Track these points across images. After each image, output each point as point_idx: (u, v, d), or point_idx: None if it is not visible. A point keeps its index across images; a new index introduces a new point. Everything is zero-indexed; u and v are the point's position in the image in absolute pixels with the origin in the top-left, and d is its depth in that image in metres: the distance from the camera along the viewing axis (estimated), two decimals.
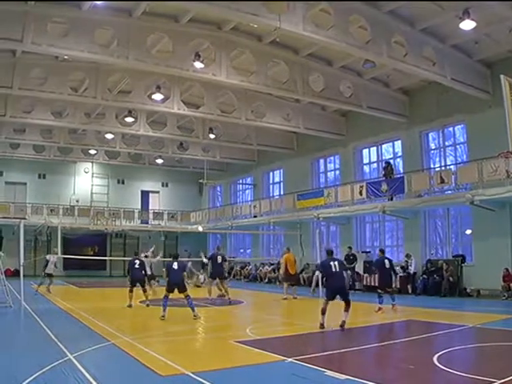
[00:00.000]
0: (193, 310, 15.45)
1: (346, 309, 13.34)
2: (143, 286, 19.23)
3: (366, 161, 30.70)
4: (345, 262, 18.69)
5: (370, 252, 28.26)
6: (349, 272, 18.36)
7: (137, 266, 19.11)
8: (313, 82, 23.75)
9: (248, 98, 27.00)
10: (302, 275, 30.40)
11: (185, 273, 16.87)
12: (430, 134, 26.59)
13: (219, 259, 20.38)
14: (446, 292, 22.52)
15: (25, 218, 32.11)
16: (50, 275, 24.10)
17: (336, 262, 13.60)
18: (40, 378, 8.17)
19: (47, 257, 24.35)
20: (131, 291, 18.76)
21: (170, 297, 15.66)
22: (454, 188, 23.00)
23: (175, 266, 15.89)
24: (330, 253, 14.23)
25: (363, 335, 13.38)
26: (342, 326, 12.95)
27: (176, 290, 15.67)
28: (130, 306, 18.39)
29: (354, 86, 24.80)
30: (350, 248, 26.72)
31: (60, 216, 38.04)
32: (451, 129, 25.64)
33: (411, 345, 11.54)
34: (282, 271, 23.61)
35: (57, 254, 24.42)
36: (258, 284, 33.45)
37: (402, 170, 27.11)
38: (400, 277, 24.23)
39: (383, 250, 19.34)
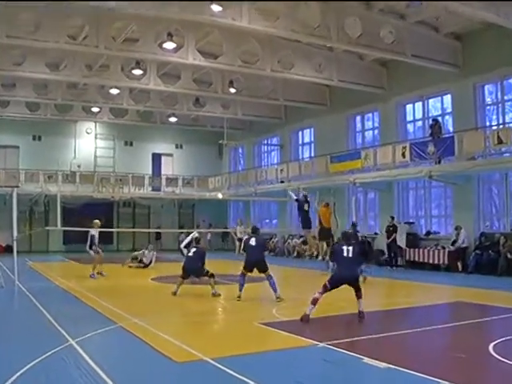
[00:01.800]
0: (275, 291, 15.48)
1: (359, 295, 12.71)
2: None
3: (409, 118, 30.34)
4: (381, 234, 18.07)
5: (413, 223, 28.13)
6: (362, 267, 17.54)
7: (191, 254, 16.99)
8: (348, 26, 23.40)
9: (274, 47, 26.65)
10: None
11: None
12: (486, 87, 26.11)
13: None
14: (503, 270, 22.29)
15: (18, 186, 32.37)
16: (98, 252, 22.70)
17: (351, 248, 12.84)
18: (38, 367, 8.25)
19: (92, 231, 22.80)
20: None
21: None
22: None
23: (253, 241, 15.88)
24: (346, 237, 13.61)
25: (406, 318, 13.37)
26: (360, 316, 12.46)
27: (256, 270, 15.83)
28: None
29: (397, 31, 24.36)
30: (392, 218, 26.64)
31: (59, 183, 38.30)
32: None
33: (462, 330, 11.51)
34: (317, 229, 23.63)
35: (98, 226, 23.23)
36: (285, 258, 33.54)
37: (451, 129, 26.72)
38: (449, 252, 24.18)
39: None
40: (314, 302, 12.19)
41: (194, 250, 16.73)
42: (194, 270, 16.37)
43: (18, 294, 17.07)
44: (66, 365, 8.51)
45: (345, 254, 12.73)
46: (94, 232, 22.49)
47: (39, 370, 8.10)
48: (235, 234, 31.39)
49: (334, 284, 12.56)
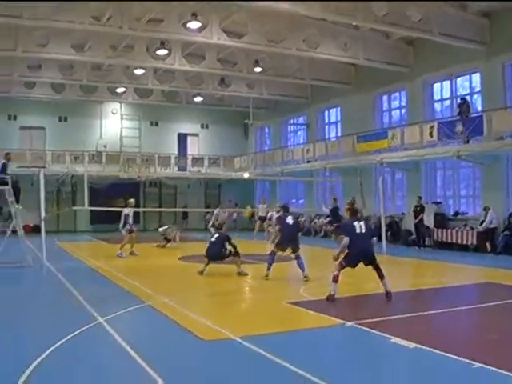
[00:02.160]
0: (302, 271, 15.56)
1: (381, 275, 12.56)
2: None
3: (437, 97, 30.03)
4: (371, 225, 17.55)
5: (441, 203, 27.95)
6: (374, 240, 17.06)
7: (213, 239, 17.10)
8: (375, 5, 23.19)
9: (299, 26, 26.50)
10: None
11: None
12: None
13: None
14: None
15: (44, 167, 32.60)
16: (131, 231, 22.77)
17: (362, 223, 12.77)
18: (67, 345, 8.38)
19: (126, 210, 22.84)
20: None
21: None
22: None
23: (290, 220, 15.92)
24: (355, 213, 13.43)
25: (434, 298, 13.32)
26: (388, 296, 12.31)
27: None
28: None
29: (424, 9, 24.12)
30: (419, 198, 26.51)
31: (85, 164, 38.52)
32: None
33: (491, 311, 11.42)
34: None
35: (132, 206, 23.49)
36: (312, 238, 33.54)
37: (480, 108, 26.45)
38: (477, 233, 24.03)
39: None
40: (335, 279, 12.16)
41: (216, 235, 16.87)
42: (217, 255, 16.54)
43: (47, 274, 17.29)
44: (95, 343, 8.65)
45: (358, 231, 12.56)
46: (128, 211, 22.66)
47: (69, 348, 8.22)
48: (255, 214, 30.67)
49: (349, 262, 12.46)
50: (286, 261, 17.70)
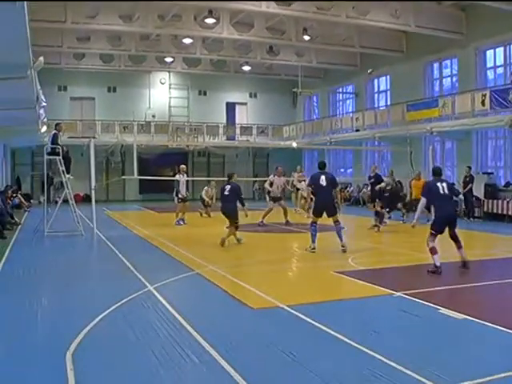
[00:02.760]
0: (341, 240, 14.93)
1: (459, 245, 12.23)
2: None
3: (490, 64, 29.46)
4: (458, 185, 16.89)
5: (492, 173, 27.54)
6: (461, 197, 16.97)
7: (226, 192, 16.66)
8: None
9: None
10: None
11: (336, 190, 15.84)
12: None
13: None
14: None
15: (94, 137, 32.92)
16: (183, 200, 22.91)
17: (444, 184, 12.27)
18: (118, 311, 8.60)
19: (177, 177, 23.09)
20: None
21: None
22: None
23: (323, 181, 14.94)
24: (438, 173, 12.69)
25: (484, 270, 13.21)
26: (465, 266, 12.08)
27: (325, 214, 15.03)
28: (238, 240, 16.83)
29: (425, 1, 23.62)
30: (469, 168, 26.14)
31: (134, 133, 38.67)
32: None
33: None
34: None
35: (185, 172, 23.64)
36: (360, 208, 33.42)
37: None
38: None
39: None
40: (433, 251, 11.82)
41: (228, 187, 16.19)
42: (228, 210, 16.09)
43: (97, 242, 17.62)
44: (144, 309, 8.82)
45: (441, 192, 12.06)
46: (179, 178, 22.80)
47: (119, 314, 8.43)
48: (288, 182, 29.34)
49: (439, 228, 12.10)
50: (334, 230, 17.73)
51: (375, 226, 20.61)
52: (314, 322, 7.84)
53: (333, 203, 15.18)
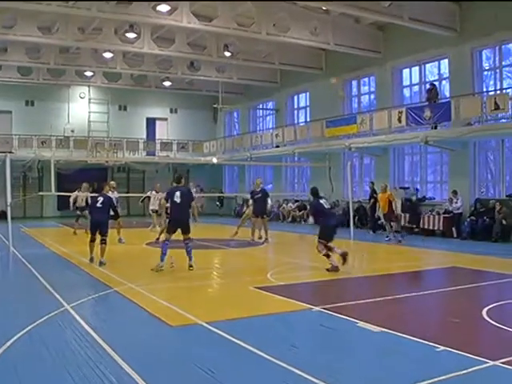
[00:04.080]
0: (190, 259, 14.58)
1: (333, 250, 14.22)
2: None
3: (406, 83, 30.18)
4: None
5: (408, 188, 28.13)
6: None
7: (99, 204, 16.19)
8: None
9: (269, 9, 26.42)
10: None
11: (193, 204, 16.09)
12: (483, 52, 25.87)
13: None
14: (498, 236, 22.35)
15: (11, 152, 32.11)
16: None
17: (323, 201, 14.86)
18: (33, 332, 8.35)
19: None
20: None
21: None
22: (510, 116, 22.58)
23: (177, 196, 14.36)
24: (316, 193, 15.10)
25: (400, 283, 13.49)
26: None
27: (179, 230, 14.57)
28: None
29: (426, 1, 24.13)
30: (372, 183, 26.77)
31: (53, 148, 37.96)
32: (511, 45, 25.00)
33: (456, 295, 11.60)
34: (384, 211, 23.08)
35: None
36: (280, 223, 33.64)
37: (448, 94, 26.59)
38: (444, 218, 24.27)
39: None
40: (328, 255, 13.99)
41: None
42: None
43: (13, 260, 17.13)
44: (61, 329, 8.61)
45: (326, 206, 14.88)
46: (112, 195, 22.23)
47: (35, 334, 8.19)
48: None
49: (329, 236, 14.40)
50: (254, 246, 17.76)
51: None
52: (232, 339, 7.81)
53: (188, 220, 14.93)
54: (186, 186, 15.77)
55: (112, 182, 23.39)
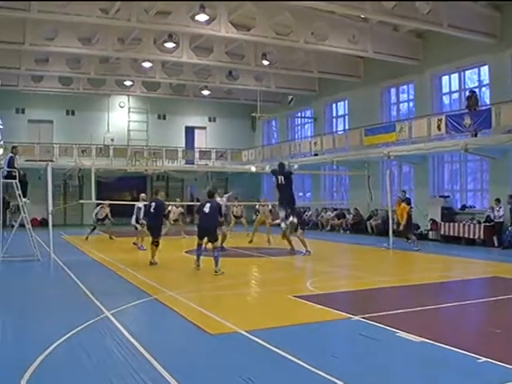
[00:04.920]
0: (216, 265, 15.41)
1: None
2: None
3: (445, 90, 29.91)
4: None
5: (448, 197, 27.87)
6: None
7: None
8: None
9: (307, 18, 26.39)
10: (369, 222, 30.47)
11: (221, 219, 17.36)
12: None
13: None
14: None
15: (52, 161, 32.59)
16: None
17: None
18: (74, 338, 8.42)
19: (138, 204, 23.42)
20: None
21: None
22: None
23: (207, 207, 15.88)
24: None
25: (441, 292, 13.32)
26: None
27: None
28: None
29: (433, 1, 23.99)
30: (404, 191, 26.46)
31: (93, 157, 38.55)
32: None
33: (497, 306, 11.44)
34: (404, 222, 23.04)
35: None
36: (318, 232, 33.57)
37: (488, 101, 26.33)
38: (485, 227, 23.95)
39: None
40: None
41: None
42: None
43: (54, 267, 17.35)
44: (101, 336, 8.68)
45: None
46: (141, 205, 22.69)
47: (75, 341, 8.26)
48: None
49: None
50: (291, 255, 17.69)
51: None
52: (272, 347, 7.79)
53: (215, 230, 16.06)
54: (215, 200, 16.96)
55: (143, 195, 24.57)
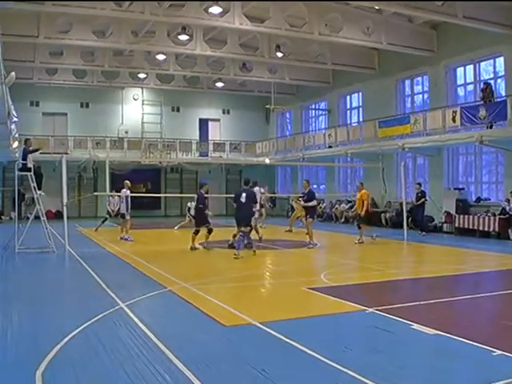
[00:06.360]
0: (238, 248, 16.77)
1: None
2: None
3: (460, 82, 29.73)
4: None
5: (463, 189, 27.76)
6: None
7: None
8: None
9: (321, 9, 26.35)
10: (383, 215, 30.39)
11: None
12: None
13: None
14: None
15: (67, 153, 32.67)
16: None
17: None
18: (88, 330, 8.48)
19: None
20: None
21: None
22: None
23: (243, 197, 17.07)
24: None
25: (455, 285, 13.30)
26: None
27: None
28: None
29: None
30: (419, 184, 26.43)
31: (107, 149, 38.83)
32: None
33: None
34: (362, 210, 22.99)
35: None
36: (332, 224, 33.56)
37: (504, 93, 26.11)
38: (499, 219, 23.83)
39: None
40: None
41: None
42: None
43: (69, 259, 17.43)
44: (116, 327, 8.73)
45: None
46: (128, 192, 23.62)
47: (90, 332, 8.31)
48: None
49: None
50: (307, 246, 17.67)
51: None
52: (286, 339, 7.80)
53: (250, 216, 17.78)
54: (251, 188, 18.40)
55: (126, 181, 24.25)
